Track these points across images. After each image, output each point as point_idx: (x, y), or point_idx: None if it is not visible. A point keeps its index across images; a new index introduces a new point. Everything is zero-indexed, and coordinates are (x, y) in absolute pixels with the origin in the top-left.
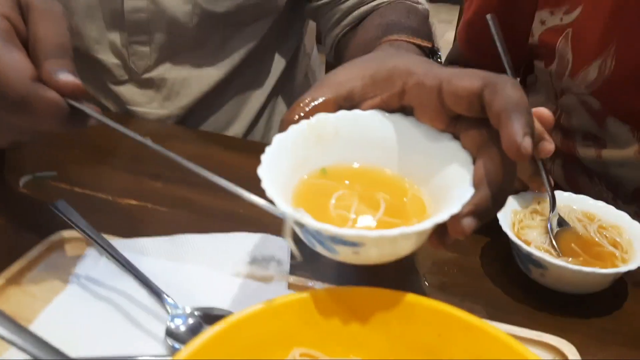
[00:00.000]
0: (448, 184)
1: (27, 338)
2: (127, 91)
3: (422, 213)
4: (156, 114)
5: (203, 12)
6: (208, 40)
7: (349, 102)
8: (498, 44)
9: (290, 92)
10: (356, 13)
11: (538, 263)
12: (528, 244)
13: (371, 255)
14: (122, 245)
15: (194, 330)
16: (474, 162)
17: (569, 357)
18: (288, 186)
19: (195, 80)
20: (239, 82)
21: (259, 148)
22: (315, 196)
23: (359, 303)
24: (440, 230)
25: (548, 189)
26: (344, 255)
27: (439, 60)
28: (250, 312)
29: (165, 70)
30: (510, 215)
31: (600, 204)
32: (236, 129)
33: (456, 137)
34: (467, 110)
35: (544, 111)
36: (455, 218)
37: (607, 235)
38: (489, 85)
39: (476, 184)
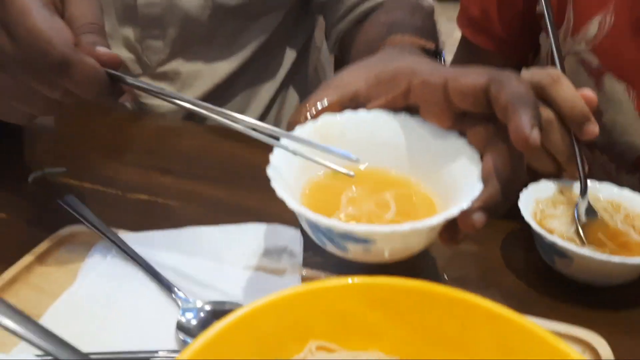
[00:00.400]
0: (456, 180)
1: (38, 332)
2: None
3: (431, 211)
4: (168, 107)
5: (215, 4)
6: (220, 34)
7: (354, 102)
8: (548, 24)
9: (300, 85)
10: (362, 8)
11: (562, 253)
12: (551, 233)
13: (382, 252)
14: (131, 239)
15: (205, 324)
16: (481, 158)
17: (600, 351)
18: (297, 186)
19: (207, 72)
20: (249, 75)
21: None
22: (325, 197)
23: (377, 293)
24: (451, 227)
25: (581, 173)
26: (355, 252)
27: (442, 60)
28: (263, 304)
29: (179, 64)
30: (533, 204)
31: (626, 192)
32: None
33: (462, 134)
34: (473, 106)
35: (587, 92)
36: (466, 213)
37: (635, 225)
38: (495, 80)
39: (485, 179)
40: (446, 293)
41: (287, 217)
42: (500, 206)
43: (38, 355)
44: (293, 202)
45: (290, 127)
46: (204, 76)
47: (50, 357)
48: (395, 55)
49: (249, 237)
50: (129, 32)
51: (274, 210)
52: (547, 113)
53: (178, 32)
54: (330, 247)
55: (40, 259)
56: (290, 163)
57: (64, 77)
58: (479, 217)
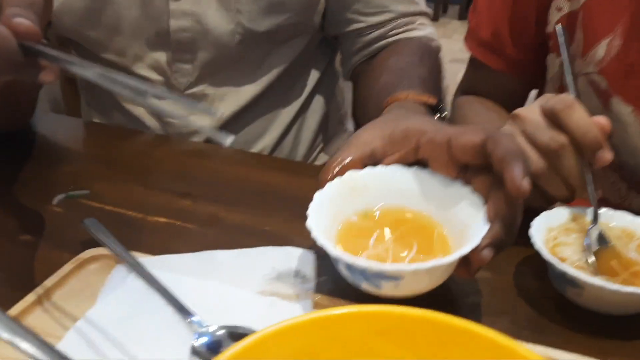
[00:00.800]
0: (465, 222)
1: (55, 356)
2: (168, 106)
3: (445, 249)
4: (190, 130)
5: (245, 30)
6: (247, 58)
7: (372, 159)
8: (564, 54)
9: (320, 107)
10: (377, 45)
11: (573, 282)
12: (563, 261)
13: (409, 287)
14: (150, 262)
15: (218, 349)
16: (485, 202)
17: None
18: (332, 228)
19: (233, 95)
20: (273, 97)
21: (284, 165)
22: (355, 238)
23: (386, 322)
24: (465, 262)
25: (593, 200)
26: (387, 289)
27: (444, 114)
28: (274, 330)
29: (206, 87)
30: (545, 232)
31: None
32: (266, 142)
33: (467, 183)
34: (473, 159)
35: (601, 119)
36: (476, 250)
37: None
38: (490, 138)
39: (490, 220)
40: (453, 323)
41: (304, 240)
42: (505, 242)
43: None
44: (333, 250)
45: (321, 183)
46: (230, 98)
47: None
48: (403, 115)
49: (264, 261)
50: (160, 56)
51: (291, 234)
52: (560, 138)
53: (208, 56)
54: (365, 286)
55: (62, 282)
56: (324, 214)
57: None
58: (487, 253)
